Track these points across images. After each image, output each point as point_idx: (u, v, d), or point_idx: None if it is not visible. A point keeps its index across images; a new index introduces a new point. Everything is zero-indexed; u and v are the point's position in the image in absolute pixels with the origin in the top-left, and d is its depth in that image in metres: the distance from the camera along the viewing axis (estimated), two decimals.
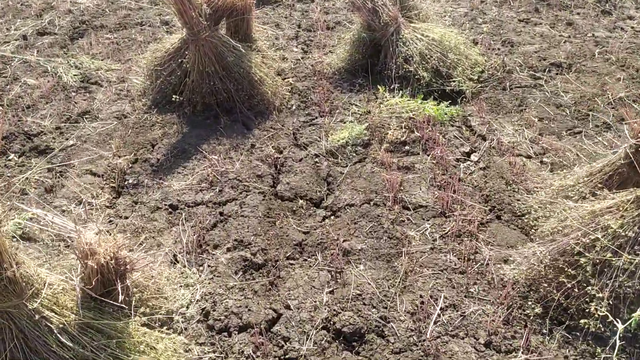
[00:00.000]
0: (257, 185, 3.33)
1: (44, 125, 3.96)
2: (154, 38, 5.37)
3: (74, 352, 1.90)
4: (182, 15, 3.71)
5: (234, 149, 3.69)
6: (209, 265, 2.76)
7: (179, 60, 4.04)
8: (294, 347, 2.32)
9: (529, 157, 3.54)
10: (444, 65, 4.24)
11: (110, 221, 3.08)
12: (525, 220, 2.94)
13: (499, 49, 5.02)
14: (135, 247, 2.75)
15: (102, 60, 5.00)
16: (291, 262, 2.80)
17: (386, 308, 2.48)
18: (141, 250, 2.73)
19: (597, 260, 2.25)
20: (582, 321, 2.22)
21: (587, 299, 2.26)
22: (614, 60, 4.73)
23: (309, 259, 2.81)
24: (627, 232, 2.22)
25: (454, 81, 4.21)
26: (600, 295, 2.20)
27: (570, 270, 2.32)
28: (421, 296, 2.54)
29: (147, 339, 2.09)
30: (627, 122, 3.65)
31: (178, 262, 2.78)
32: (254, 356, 2.28)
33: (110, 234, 2.22)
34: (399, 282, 2.62)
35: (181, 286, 2.58)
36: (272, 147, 3.72)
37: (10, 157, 3.62)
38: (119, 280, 2.04)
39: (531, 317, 2.41)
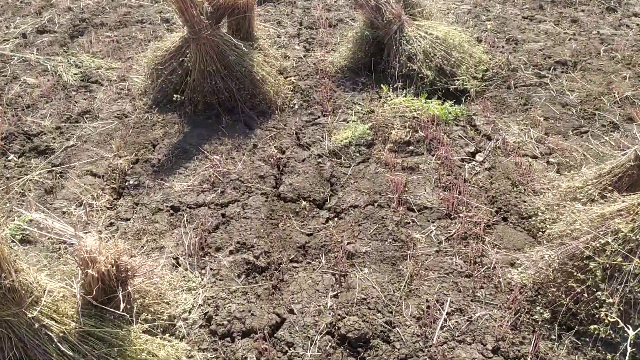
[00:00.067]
0: (259, 186, 3.29)
1: (44, 125, 3.91)
2: (155, 36, 5.32)
3: None
4: (183, 14, 3.66)
5: (235, 149, 3.65)
6: (211, 269, 2.72)
7: (180, 59, 3.99)
8: (298, 353, 2.28)
9: (535, 157, 3.49)
10: (447, 63, 4.18)
11: (111, 223, 3.03)
12: (533, 223, 2.90)
13: (503, 46, 4.96)
14: (136, 251, 2.71)
15: (102, 58, 4.95)
16: (294, 265, 2.76)
17: (391, 312, 2.44)
18: (142, 254, 2.69)
19: (607, 265, 2.21)
20: (591, 327, 2.18)
21: (596, 304, 2.22)
22: (620, 58, 4.67)
23: (312, 262, 2.77)
24: (638, 236, 2.17)
25: (458, 80, 4.16)
26: (611, 300, 2.15)
27: (579, 274, 2.27)
28: (427, 300, 2.50)
29: (149, 346, 2.05)
30: (636, 122, 3.61)
31: (180, 265, 2.74)
32: None
33: (111, 239, 2.18)
34: (405, 285, 2.58)
35: (183, 290, 2.54)
36: (275, 147, 3.67)
37: (9, 158, 3.57)
38: (120, 287, 2.00)
39: (539, 323, 2.37)
